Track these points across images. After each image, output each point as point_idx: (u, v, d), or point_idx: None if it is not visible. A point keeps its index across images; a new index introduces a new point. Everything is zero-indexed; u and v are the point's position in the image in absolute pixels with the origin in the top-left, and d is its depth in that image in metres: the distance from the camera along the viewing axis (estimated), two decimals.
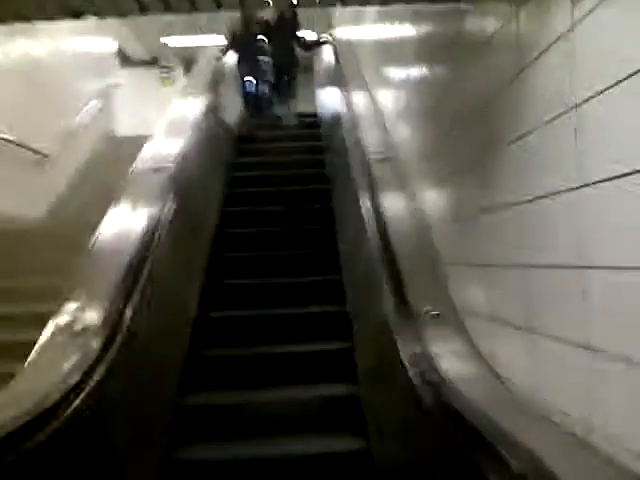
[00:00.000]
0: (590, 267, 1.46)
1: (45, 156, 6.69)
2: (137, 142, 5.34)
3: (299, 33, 7.73)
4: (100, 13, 2.70)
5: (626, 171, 1.29)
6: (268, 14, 7.52)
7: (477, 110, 2.28)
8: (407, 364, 2.21)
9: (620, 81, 1.30)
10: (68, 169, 7.39)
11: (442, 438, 1.78)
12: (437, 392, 1.86)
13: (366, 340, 3.61)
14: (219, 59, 7.00)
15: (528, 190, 1.81)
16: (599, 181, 1.41)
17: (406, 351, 2.29)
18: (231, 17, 7.34)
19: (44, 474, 1.93)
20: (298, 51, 7.79)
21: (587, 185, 1.46)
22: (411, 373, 2.13)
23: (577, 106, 1.50)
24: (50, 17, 2.79)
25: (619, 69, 1.30)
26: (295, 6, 7.58)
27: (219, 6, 2.60)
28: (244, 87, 7.36)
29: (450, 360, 2.07)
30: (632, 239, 1.29)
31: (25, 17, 2.72)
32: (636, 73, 1.24)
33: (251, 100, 7.40)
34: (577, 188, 1.51)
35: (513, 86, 1.92)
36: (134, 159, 4.34)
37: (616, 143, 1.34)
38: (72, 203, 6.70)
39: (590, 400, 1.47)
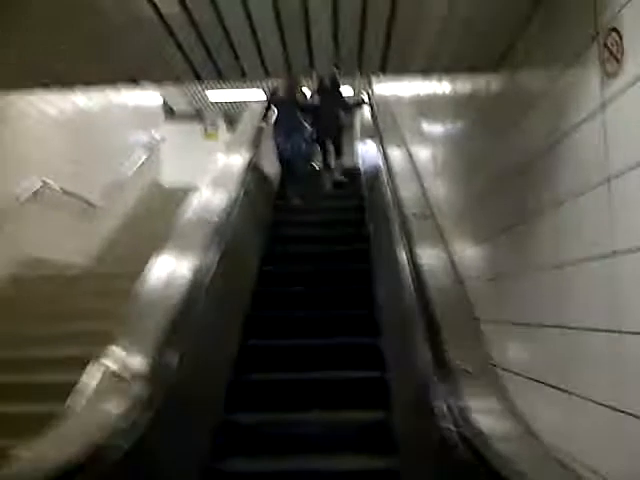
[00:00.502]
0: (623, 332, 1.52)
1: (94, 206, 6.99)
2: (180, 192, 5.58)
3: (343, 97, 7.76)
4: (158, 82, 2.93)
5: None
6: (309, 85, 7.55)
7: (514, 174, 2.38)
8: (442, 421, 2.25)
9: None
10: (115, 218, 7.67)
11: None
12: (472, 446, 1.91)
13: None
14: (262, 118, 7.05)
15: (562, 254, 1.89)
16: (631, 250, 1.48)
17: (442, 408, 2.33)
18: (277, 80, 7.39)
19: None
20: (343, 115, 7.78)
21: (619, 252, 1.54)
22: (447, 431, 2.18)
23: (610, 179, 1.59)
24: (111, 82, 3.01)
25: None
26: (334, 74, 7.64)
27: (267, 74, 2.79)
28: (279, 153, 7.22)
29: (485, 416, 2.11)
30: None
31: (90, 83, 2.96)
32: None
33: (285, 165, 7.28)
34: (609, 256, 1.58)
35: (550, 154, 2.02)
36: (177, 209, 4.53)
37: None
38: (118, 251, 6.93)
39: (620, 460, 1.51)
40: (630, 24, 1.49)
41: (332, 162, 7.77)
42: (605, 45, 1.58)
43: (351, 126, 9.06)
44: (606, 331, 1.60)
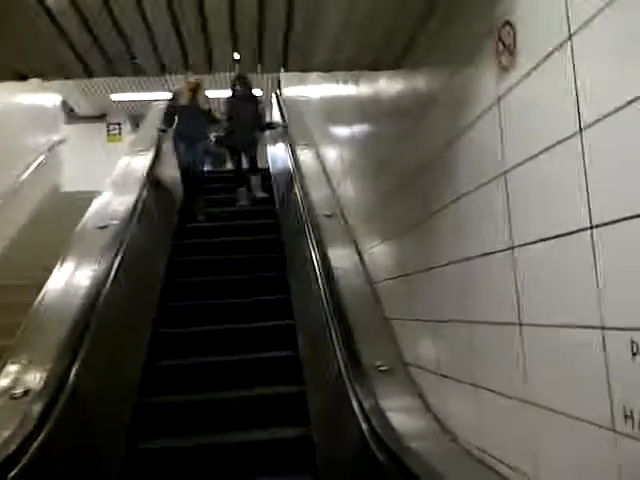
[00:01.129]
0: (524, 324, 1.54)
1: None
2: (83, 197, 5.31)
3: (258, 104, 7.02)
4: (45, 76, 2.73)
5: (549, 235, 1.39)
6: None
7: (417, 172, 2.39)
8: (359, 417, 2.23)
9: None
10: (11, 225, 7.23)
11: None
12: (386, 445, 1.89)
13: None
14: (162, 129, 6.39)
15: (465, 250, 1.90)
16: (527, 243, 1.50)
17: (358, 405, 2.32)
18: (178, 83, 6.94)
19: None
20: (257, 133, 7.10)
21: (516, 247, 1.56)
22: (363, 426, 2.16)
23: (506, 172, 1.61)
24: None
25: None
26: (244, 80, 6.89)
27: (163, 70, 2.66)
28: (179, 164, 6.53)
29: (399, 414, 2.10)
30: (558, 296, 1.37)
31: None
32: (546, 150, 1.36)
33: (187, 178, 6.56)
34: (508, 250, 1.60)
35: (450, 150, 2.03)
36: (79, 214, 4.31)
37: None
38: (15, 260, 6.53)
39: (529, 451, 1.52)
40: (522, 16, 1.50)
41: (249, 177, 7.02)
42: (500, 38, 1.60)
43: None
44: (508, 324, 1.61)
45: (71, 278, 3.46)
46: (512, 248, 1.59)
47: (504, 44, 1.57)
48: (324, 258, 3.50)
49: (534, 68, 1.45)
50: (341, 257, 3.47)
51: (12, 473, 2.05)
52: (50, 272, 3.53)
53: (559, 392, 1.40)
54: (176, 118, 6.52)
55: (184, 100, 6.54)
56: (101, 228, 4.06)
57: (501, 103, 1.62)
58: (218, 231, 5.97)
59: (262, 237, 5.75)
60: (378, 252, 3.12)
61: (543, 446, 1.47)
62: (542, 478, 1.48)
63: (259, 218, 6.31)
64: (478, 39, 1.75)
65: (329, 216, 3.98)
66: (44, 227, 7.29)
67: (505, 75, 1.59)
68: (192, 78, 6.46)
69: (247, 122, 6.82)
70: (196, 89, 6.61)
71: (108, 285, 3.55)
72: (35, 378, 2.57)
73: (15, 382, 2.58)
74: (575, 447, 1.34)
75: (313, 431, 3.47)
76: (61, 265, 3.59)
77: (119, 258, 3.82)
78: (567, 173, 1.31)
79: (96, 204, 4.44)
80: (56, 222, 6.74)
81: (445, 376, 2.12)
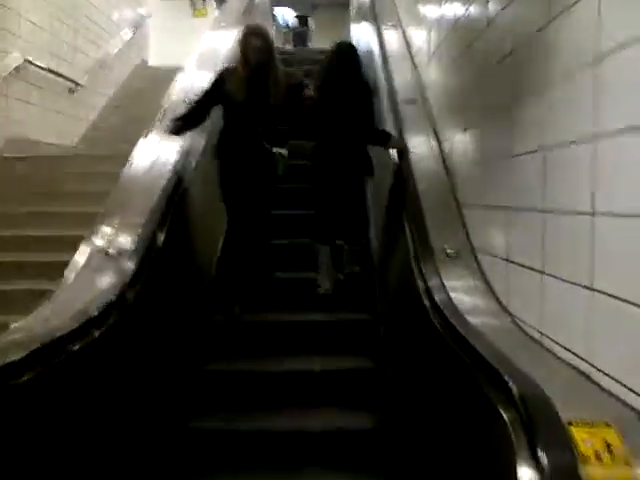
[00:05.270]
0: (600, 214, 1.55)
1: (78, 86, 6.80)
2: (168, 72, 5.41)
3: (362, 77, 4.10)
4: None
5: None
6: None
7: (504, 56, 2.32)
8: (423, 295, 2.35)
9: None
10: (101, 98, 7.49)
11: (451, 360, 1.92)
12: (448, 321, 2.00)
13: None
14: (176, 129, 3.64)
15: (550, 138, 1.88)
16: (614, 133, 1.48)
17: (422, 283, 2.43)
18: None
19: (84, 375, 2.11)
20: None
21: (603, 136, 1.53)
22: (426, 303, 2.28)
23: (598, 59, 1.55)
24: None
25: None
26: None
27: None
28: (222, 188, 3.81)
29: (462, 293, 2.20)
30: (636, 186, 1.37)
31: None
32: None
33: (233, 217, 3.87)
34: (593, 139, 1.57)
35: (541, 35, 1.95)
36: (164, 89, 4.42)
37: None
38: (105, 132, 6.83)
39: (593, 339, 1.58)
40: None
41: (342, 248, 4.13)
42: None
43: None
44: (582, 214, 1.62)
45: (157, 150, 3.62)
46: (597, 137, 1.56)
47: None
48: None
49: None
50: (420, 143, 3.46)
51: (110, 320, 2.32)
52: (136, 144, 3.71)
53: (627, 282, 1.42)
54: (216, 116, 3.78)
55: (238, 91, 3.58)
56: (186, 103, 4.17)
57: None
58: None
59: None
60: (458, 139, 3.10)
61: (603, 333, 1.52)
62: (598, 363, 1.54)
63: None
64: None
65: (411, 101, 3.92)
66: (132, 100, 7.52)
67: None
68: (253, 38, 3.56)
69: (347, 127, 3.79)
70: (265, 69, 3.55)
71: (195, 158, 3.70)
72: (127, 239, 2.80)
73: (109, 243, 2.82)
74: (635, 336, 1.38)
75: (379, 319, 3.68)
76: (147, 137, 3.75)
77: (205, 134, 3.96)
78: None
79: (180, 79, 4.53)
80: (143, 95, 6.95)
81: (513, 262, 2.17)
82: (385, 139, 3.78)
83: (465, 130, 2.97)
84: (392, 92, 4.08)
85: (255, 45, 3.58)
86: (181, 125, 3.57)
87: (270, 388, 3.39)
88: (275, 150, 3.65)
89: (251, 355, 3.64)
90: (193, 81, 4.45)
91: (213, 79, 3.78)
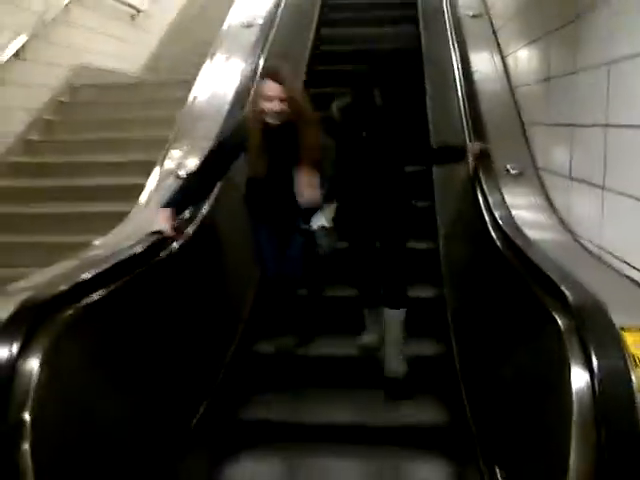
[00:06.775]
0: None
1: (139, 11, 6.83)
2: None
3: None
4: None
5: None
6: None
7: None
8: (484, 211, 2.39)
9: None
10: (162, 24, 7.51)
11: (510, 272, 1.98)
12: (507, 235, 2.05)
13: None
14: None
15: (615, 51, 1.84)
16: None
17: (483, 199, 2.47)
18: None
19: (161, 285, 2.28)
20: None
21: None
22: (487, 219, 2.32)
23: None
24: None
25: None
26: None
27: None
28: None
29: (523, 210, 2.23)
30: None
31: None
32: None
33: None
34: None
35: None
36: (225, 12, 4.42)
37: None
38: (168, 58, 6.88)
39: None
40: None
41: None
42: None
43: None
44: None
45: (222, 74, 3.68)
46: None
47: None
48: (464, 60, 3.43)
49: None
50: (482, 60, 3.38)
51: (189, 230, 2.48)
52: (199, 69, 3.77)
53: None
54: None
55: (257, 166, 2.65)
56: (247, 27, 4.18)
57: None
58: None
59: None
60: (522, 55, 3.02)
61: None
62: None
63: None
64: None
65: (474, 16, 3.81)
66: (195, 23, 7.49)
67: None
68: (269, 82, 2.54)
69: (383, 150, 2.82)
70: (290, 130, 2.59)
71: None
72: (195, 163, 2.91)
73: (179, 166, 2.95)
74: None
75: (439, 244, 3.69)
76: (212, 60, 3.81)
77: (264, 55, 3.98)
78: None
79: (240, 1, 4.50)
80: (206, 16, 6.91)
81: (575, 179, 2.17)
82: (459, 153, 2.92)
83: (529, 44, 2.89)
84: (455, 6, 3.97)
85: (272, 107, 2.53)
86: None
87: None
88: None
89: None
90: (252, 3, 4.43)
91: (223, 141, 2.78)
